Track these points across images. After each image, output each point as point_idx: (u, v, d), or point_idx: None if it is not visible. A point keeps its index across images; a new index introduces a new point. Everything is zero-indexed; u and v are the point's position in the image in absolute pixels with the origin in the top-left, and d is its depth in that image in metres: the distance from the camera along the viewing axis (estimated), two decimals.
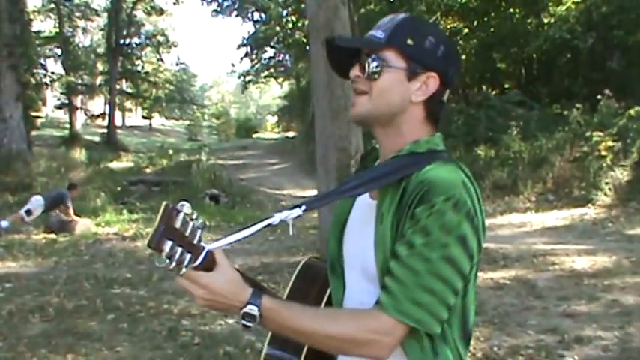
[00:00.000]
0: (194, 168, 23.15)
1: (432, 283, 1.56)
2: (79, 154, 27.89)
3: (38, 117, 38.59)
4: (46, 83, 39.95)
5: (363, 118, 1.78)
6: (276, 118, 61.15)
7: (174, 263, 1.53)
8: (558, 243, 11.87)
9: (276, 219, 1.67)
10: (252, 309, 1.59)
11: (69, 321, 7.08)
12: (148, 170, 26.57)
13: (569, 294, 7.91)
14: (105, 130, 41.35)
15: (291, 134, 41.49)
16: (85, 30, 49.99)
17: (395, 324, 1.58)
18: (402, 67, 1.71)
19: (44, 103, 44.06)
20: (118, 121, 46.33)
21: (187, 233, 1.55)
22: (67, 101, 43.02)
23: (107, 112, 42.75)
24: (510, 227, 14.22)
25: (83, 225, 14.24)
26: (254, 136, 51.75)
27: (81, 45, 49.52)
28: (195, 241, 1.57)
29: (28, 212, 14.19)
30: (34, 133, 30.03)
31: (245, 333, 6.24)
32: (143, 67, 48.93)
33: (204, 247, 1.59)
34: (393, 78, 1.72)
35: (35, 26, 37.77)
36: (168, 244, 1.51)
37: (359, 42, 1.87)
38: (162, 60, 51.47)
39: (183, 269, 1.56)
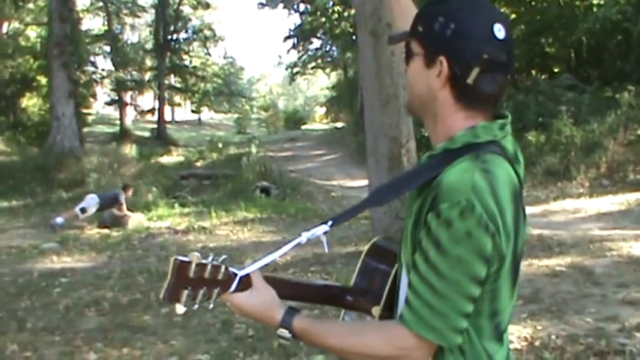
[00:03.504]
0: (244, 161, 23.23)
1: (446, 296, 1.54)
2: (130, 150, 28.18)
3: (89, 114, 39.20)
4: (96, 80, 40.52)
5: (407, 109, 1.81)
6: (324, 109, 61.24)
7: (197, 305, 1.65)
8: (615, 228, 11.64)
9: (303, 238, 1.71)
10: (283, 332, 1.70)
11: (124, 315, 7.14)
12: (198, 164, 26.79)
13: (628, 281, 7.72)
14: (154, 125, 41.79)
15: (339, 125, 41.43)
16: (132, 27, 50.53)
17: (419, 339, 1.57)
18: (420, 55, 1.68)
19: (95, 100, 44.60)
20: (167, 116, 46.81)
21: (207, 275, 1.64)
22: (116, 98, 43.60)
23: (156, 107, 43.26)
24: (564, 213, 14.00)
25: (136, 220, 14.38)
26: (303, 127, 51.86)
27: (129, 42, 50.11)
28: (220, 277, 1.66)
29: (83, 210, 14.39)
30: (85, 129, 30.51)
31: None
32: (191, 62, 49.31)
33: (236, 275, 1.69)
34: (416, 68, 1.70)
35: (84, 25, 38.34)
36: (184, 293, 1.63)
37: (396, 37, 1.81)
38: (209, 54, 51.83)
39: (211, 303, 1.69)
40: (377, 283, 1.89)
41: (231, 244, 11.68)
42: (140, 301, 7.73)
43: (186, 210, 16.35)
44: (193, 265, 1.61)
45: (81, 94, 29.98)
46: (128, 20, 47.32)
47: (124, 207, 14.55)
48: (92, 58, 41.90)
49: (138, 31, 52.57)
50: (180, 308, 1.63)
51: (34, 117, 35.62)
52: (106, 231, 13.65)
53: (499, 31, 1.60)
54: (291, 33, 42.31)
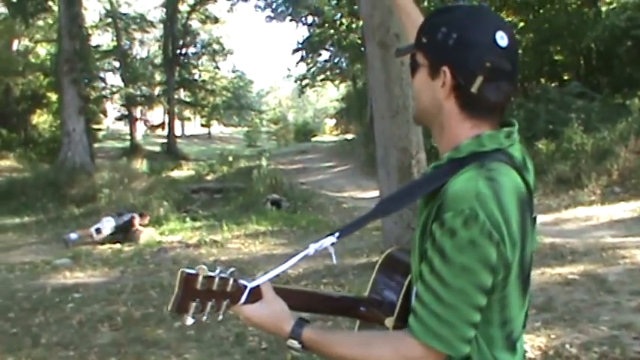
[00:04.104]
0: (255, 174, 23.24)
1: (452, 306, 1.54)
2: (141, 165, 28.24)
3: (99, 129, 39.46)
4: (105, 96, 40.78)
5: (414, 120, 1.84)
6: (334, 121, 61.29)
7: (205, 317, 1.67)
8: (627, 236, 11.59)
9: (311, 250, 1.73)
10: (292, 343, 1.73)
11: (137, 329, 7.15)
12: (208, 178, 26.80)
13: None
14: (165, 140, 41.90)
15: (349, 136, 41.44)
16: (141, 42, 50.76)
17: (427, 348, 1.58)
18: (425, 66, 1.69)
19: (105, 116, 44.81)
20: (177, 131, 46.94)
21: (215, 287, 1.67)
22: (126, 113, 43.79)
23: (166, 121, 43.33)
24: (576, 221, 13.95)
25: (147, 234, 14.42)
26: (313, 139, 51.88)
27: (138, 57, 50.30)
28: (229, 289, 1.69)
29: (98, 230, 14.46)
30: (96, 145, 30.67)
31: None
32: (200, 76, 49.51)
33: (245, 286, 1.71)
34: (421, 79, 1.72)
35: (93, 41, 38.54)
36: (192, 305, 1.65)
37: (402, 50, 1.83)
38: (218, 68, 51.94)
39: (221, 315, 1.70)
40: (390, 294, 1.91)
41: (243, 257, 11.69)
42: (153, 316, 7.74)
43: (198, 224, 16.36)
44: (200, 278, 1.64)
45: (91, 109, 30.21)
46: (137, 35, 47.52)
47: (136, 222, 14.60)
48: (102, 74, 42.11)
49: (147, 46, 52.82)
50: (188, 319, 1.66)
51: (45, 133, 35.90)
52: (117, 246, 13.68)
53: (502, 39, 1.61)
54: (300, 45, 42.38)
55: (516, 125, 1.75)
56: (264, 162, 26.28)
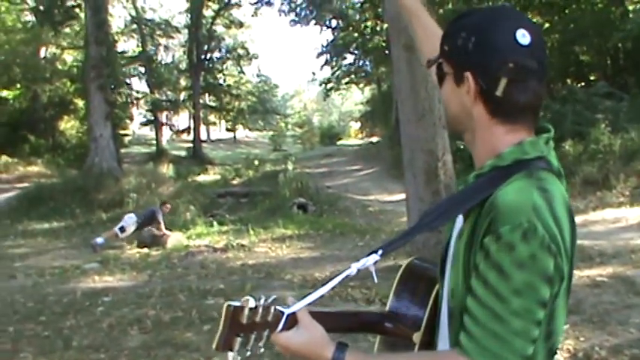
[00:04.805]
0: (280, 177, 23.31)
1: (513, 323, 1.46)
2: (167, 169, 28.42)
3: (126, 135, 39.68)
4: (131, 102, 40.99)
5: (448, 128, 1.83)
6: (359, 124, 61.26)
7: (249, 353, 1.57)
8: None
9: (353, 269, 1.66)
10: None
11: (166, 332, 7.20)
12: (234, 182, 26.91)
13: None
14: (190, 145, 42.15)
15: (375, 139, 41.43)
16: (166, 47, 51.03)
17: None
18: (450, 74, 1.66)
19: (131, 121, 45.11)
20: (202, 135, 47.13)
21: (258, 319, 1.56)
22: (152, 118, 44.05)
23: (192, 126, 43.55)
24: (604, 223, 13.85)
25: (174, 238, 14.50)
26: (338, 143, 51.93)
27: (163, 62, 50.59)
28: (270, 318, 1.58)
29: (122, 229, 14.56)
30: (122, 150, 30.83)
31: None
32: (225, 81, 49.77)
33: (282, 313, 1.60)
34: (448, 87, 1.68)
35: (119, 47, 38.81)
36: (237, 341, 1.55)
37: (432, 60, 1.76)
38: (243, 72, 52.19)
39: (262, 347, 1.60)
40: (415, 307, 1.85)
41: (270, 260, 11.72)
42: (182, 319, 7.78)
43: (225, 228, 16.42)
44: (246, 311, 1.54)
45: (117, 115, 30.39)
46: (162, 41, 47.82)
47: (162, 226, 14.67)
48: (128, 80, 42.39)
49: (172, 51, 53.09)
50: (233, 357, 1.57)
51: (73, 139, 36.23)
52: (145, 250, 13.76)
53: (523, 37, 1.56)
54: (324, 49, 42.51)
55: (552, 131, 1.69)
56: (289, 166, 26.34)
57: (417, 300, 1.86)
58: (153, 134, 44.78)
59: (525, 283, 1.44)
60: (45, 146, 34.53)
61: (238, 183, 26.53)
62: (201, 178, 29.36)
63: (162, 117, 45.65)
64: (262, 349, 1.62)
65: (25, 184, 25.88)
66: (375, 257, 1.65)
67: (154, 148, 41.59)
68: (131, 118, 44.26)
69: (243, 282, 9.69)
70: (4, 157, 30.79)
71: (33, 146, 33.96)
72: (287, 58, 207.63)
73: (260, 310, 1.55)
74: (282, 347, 1.62)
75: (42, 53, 37.74)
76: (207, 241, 14.32)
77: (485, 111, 1.61)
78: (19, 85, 35.50)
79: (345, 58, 45.07)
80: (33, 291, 10.04)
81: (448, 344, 1.65)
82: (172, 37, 47.67)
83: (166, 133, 46.92)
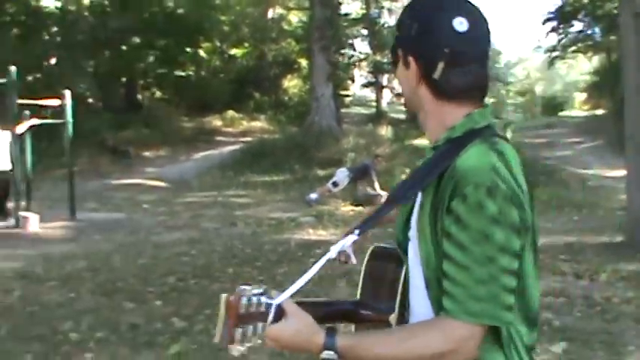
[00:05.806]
0: None
1: (491, 276, 1.53)
2: (385, 132, 28.66)
3: (347, 95, 40.42)
4: (353, 63, 41.61)
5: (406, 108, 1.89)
6: (584, 95, 58.82)
7: (245, 346, 1.55)
8: None
9: (332, 252, 1.69)
10: (328, 354, 1.59)
11: None
12: None
13: None
14: None
15: (599, 112, 39.60)
16: (390, 10, 51.16)
17: (469, 326, 1.55)
18: (400, 58, 1.76)
19: (352, 82, 45.85)
20: None
21: (253, 309, 1.55)
22: (373, 80, 44.47)
23: None
24: None
25: None
26: (560, 113, 50.17)
27: (386, 25, 50.83)
28: (263, 309, 1.57)
29: (335, 184, 14.95)
30: (342, 110, 31.45)
31: None
32: None
33: (270, 304, 1.58)
34: (400, 71, 1.79)
35: (343, 9, 39.34)
36: (238, 332, 1.53)
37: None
38: None
39: (258, 339, 1.59)
40: (386, 289, 1.90)
41: None
42: None
43: None
44: (244, 299, 1.53)
45: (339, 76, 31.02)
46: (386, 4, 48.03)
47: (377, 185, 14.89)
48: (350, 41, 43.03)
49: (395, 14, 53.17)
50: (235, 350, 1.55)
51: (295, 97, 37.39)
52: (359, 208, 14.04)
53: (460, 24, 1.65)
54: (551, 15, 40.90)
55: (490, 104, 1.78)
56: (509, 134, 25.80)
57: (386, 283, 1.90)
58: (373, 96, 45.22)
59: (496, 237, 1.52)
60: (268, 103, 35.90)
61: None
62: (418, 141, 29.42)
63: (384, 79, 45.82)
64: (259, 341, 1.60)
65: (248, 139, 27.19)
66: (352, 237, 1.70)
67: (373, 109, 42.02)
68: (352, 80, 44.97)
69: None
70: (231, 112, 32.40)
71: (257, 103, 35.44)
72: (512, 24, 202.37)
73: (254, 299, 1.55)
74: (274, 339, 1.60)
75: (269, 14, 39.15)
76: None
77: (429, 92, 1.72)
78: (247, 44, 37.14)
79: (572, 26, 43.10)
80: (251, 239, 10.59)
81: (420, 319, 1.70)
82: (396, 1, 47.78)
83: (387, 96, 47.16)
